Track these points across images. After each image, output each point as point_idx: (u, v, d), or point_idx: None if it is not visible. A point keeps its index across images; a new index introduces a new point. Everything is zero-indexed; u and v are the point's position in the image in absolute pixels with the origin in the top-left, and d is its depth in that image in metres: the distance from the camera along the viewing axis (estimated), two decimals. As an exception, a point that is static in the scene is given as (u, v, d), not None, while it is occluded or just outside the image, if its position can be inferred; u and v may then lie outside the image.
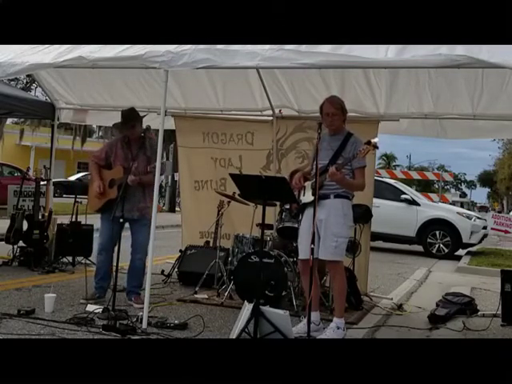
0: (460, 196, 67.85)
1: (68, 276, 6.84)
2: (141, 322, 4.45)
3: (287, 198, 4.69)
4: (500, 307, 5.58)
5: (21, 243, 7.36)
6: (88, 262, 7.24)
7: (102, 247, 5.37)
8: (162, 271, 6.92)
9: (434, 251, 12.81)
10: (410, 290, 7.55)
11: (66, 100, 7.64)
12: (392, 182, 14.20)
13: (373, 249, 7.40)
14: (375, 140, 4.32)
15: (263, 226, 4.45)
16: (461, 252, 12.91)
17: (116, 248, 4.86)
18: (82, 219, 7.56)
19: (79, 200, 7.65)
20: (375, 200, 7.04)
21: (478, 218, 13.76)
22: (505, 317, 5.52)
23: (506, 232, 12.50)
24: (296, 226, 5.03)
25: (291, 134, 6.85)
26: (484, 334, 5.17)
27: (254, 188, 4.51)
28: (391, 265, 10.53)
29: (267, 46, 4.14)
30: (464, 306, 5.94)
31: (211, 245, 6.75)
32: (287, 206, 5.41)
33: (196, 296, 5.87)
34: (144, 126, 5.31)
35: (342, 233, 4.51)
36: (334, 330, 4.47)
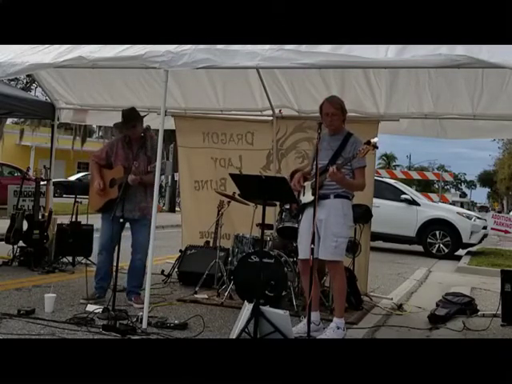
0: (460, 196, 67.84)
1: (68, 276, 6.84)
2: (141, 322, 4.45)
3: (287, 197, 4.69)
4: (500, 307, 5.58)
5: (21, 243, 7.36)
6: (88, 262, 7.25)
7: (103, 247, 5.37)
8: (162, 271, 6.92)
9: (434, 251, 12.81)
10: (410, 290, 7.55)
11: (66, 100, 7.64)
12: (392, 181, 14.20)
13: (373, 249, 7.40)
14: (375, 140, 4.32)
15: (263, 226, 4.45)
16: (461, 252, 12.91)
17: (116, 248, 4.86)
18: (82, 219, 7.57)
19: (79, 200, 7.66)
20: (375, 200, 7.04)
21: (478, 217, 13.76)
22: (505, 317, 5.52)
23: (506, 232, 12.49)
24: (296, 226, 5.03)
25: (291, 134, 6.85)
26: (484, 333, 5.17)
27: (254, 188, 4.51)
28: (391, 265, 10.53)
29: (267, 46, 4.14)
30: (464, 306, 5.94)
31: (211, 245, 6.75)
32: (287, 206, 5.41)
33: (196, 296, 5.87)
34: (144, 126, 5.32)
35: (341, 233, 4.51)
36: (333, 329, 4.47)
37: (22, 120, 26.84)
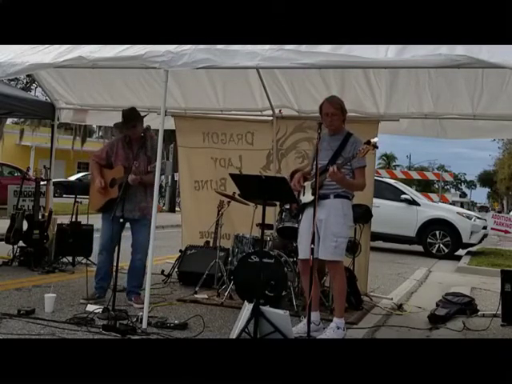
0: (460, 196, 67.85)
1: (68, 276, 6.84)
2: (141, 322, 4.45)
3: (287, 198, 4.69)
4: (500, 307, 5.58)
5: (21, 243, 7.36)
6: (88, 262, 7.25)
7: (103, 247, 5.37)
8: (162, 271, 6.92)
9: (434, 251, 12.81)
10: (410, 290, 7.55)
11: (66, 100, 7.64)
12: (392, 181, 14.20)
13: (373, 249, 7.40)
14: (375, 140, 4.32)
15: (263, 226, 4.45)
16: (461, 252, 12.91)
17: (116, 248, 4.86)
18: (82, 219, 7.57)
19: (79, 200, 7.66)
20: (375, 200, 7.04)
21: (478, 217, 13.76)
22: (505, 317, 5.52)
23: (506, 232, 12.49)
24: (296, 226, 5.03)
25: (291, 134, 6.85)
26: (484, 333, 5.17)
27: (254, 188, 4.51)
28: (391, 265, 10.53)
29: (267, 46, 4.14)
30: (464, 306, 5.94)
31: (211, 245, 6.75)
32: (287, 206, 5.41)
33: (196, 296, 5.87)
34: (144, 126, 5.32)
35: (341, 233, 4.51)
36: (334, 329, 4.47)
37: (22, 120, 26.85)
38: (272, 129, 6.92)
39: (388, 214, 12.26)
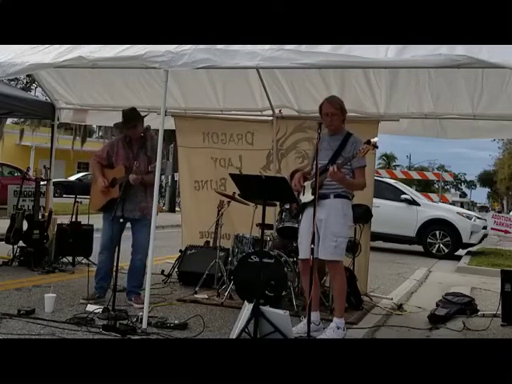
0: (460, 196, 67.86)
1: (68, 276, 6.84)
2: (141, 322, 4.45)
3: (287, 198, 4.70)
4: (500, 307, 5.58)
5: (21, 243, 7.36)
6: (89, 262, 7.25)
7: (104, 247, 5.37)
8: (162, 271, 6.92)
9: (434, 251, 12.81)
10: (410, 290, 7.55)
11: (66, 100, 7.64)
12: (392, 181, 14.20)
13: (373, 249, 7.40)
14: (375, 139, 4.32)
15: (263, 225, 4.45)
16: (461, 252, 12.91)
17: (116, 248, 4.86)
18: (82, 219, 7.57)
19: (79, 200, 7.66)
20: (375, 200, 7.04)
21: (478, 217, 13.76)
22: (505, 317, 5.52)
23: (506, 232, 12.49)
24: (296, 226, 5.03)
25: (291, 134, 6.85)
26: (484, 333, 5.17)
27: (254, 188, 4.51)
28: (391, 265, 10.53)
29: (267, 46, 4.14)
30: (464, 306, 5.94)
31: (211, 245, 6.75)
32: (287, 206, 5.41)
33: (196, 296, 5.87)
34: (144, 126, 5.32)
35: (341, 233, 4.51)
36: (334, 329, 4.47)
37: (22, 120, 26.84)
38: (272, 129, 6.92)
39: (388, 214, 12.26)
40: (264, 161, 7.01)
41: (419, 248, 13.15)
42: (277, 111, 6.83)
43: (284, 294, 5.36)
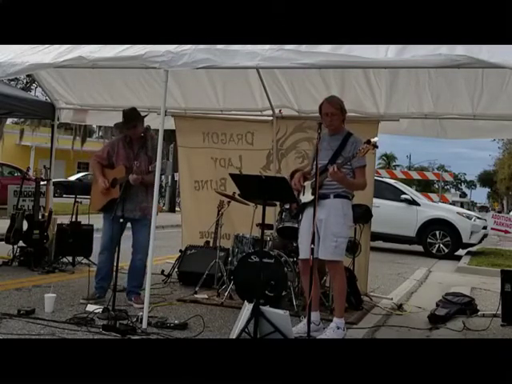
0: (460, 196, 67.86)
1: (68, 276, 6.84)
2: (141, 322, 4.45)
3: (287, 197, 4.69)
4: (500, 307, 5.58)
5: (21, 243, 7.36)
6: (89, 262, 7.25)
7: (104, 247, 5.37)
8: (162, 271, 6.92)
9: (434, 251, 12.81)
10: (410, 290, 7.55)
11: (66, 100, 7.64)
12: (392, 181, 14.21)
13: (373, 249, 7.40)
14: (375, 139, 4.32)
15: (263, 225, 4.45)
16: (461, 252, 12.91)
17: (116, 248, 4.86)
18: (82, 219, 7.57)
19: (79, 200, 7.66)
20: (375, 200, 7.04)
21: (478, 217, 13.76)
22: (505, 317, 5.52)
23: (506, 232, 12.50)
24: (296, 226, 5.03)
25: (291, 134, 6.85)
26: (484, 333, 5.17)
27: (254, 188, 4.51)
28: (391, 265, 10.53)
29: (267, 46, 4.14)
30: (464, 306, 5.94)
31: (211, 245, 6.75)
32: (287, 206, 5.41)
33: (196, 296, 5.87)
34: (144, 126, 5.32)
35: (341, 233, 4.51)
36: (334, 329, 4.47)
37: (22, 120, 26.85)
38: (272, 129, 6.92)
39: (388, 214, 12.27)
40: (264, 161, 7.01)
41: (419, 248, 13.15)
42: (277, 111, 6.83)
43: (284, 294, 5.36)
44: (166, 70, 4.42)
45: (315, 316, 4.63)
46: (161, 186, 22.53)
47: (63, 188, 23.43)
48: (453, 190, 71.68)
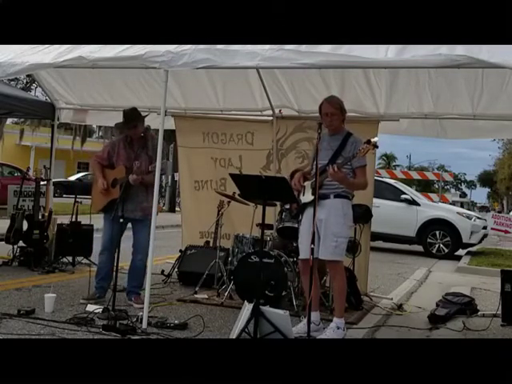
0: (460, 196, 67.85)
1: (68, 276, 6.85)
2: (141, 322, 4.45)
3: (287, 198, 4.70)
4: (500, 307, 5.58)
5: (21, 243, 7.36)
6: (89, 262, 7.25)
7: (104, 247, 5.37)
8: (162, 271, 6.92)
9: (434, 251, 12.81)
10: (410, 290, 7.55)
11: (66, 100, 7.64)
12: (392, 181, 14.21)
13: (373, 249, 7.39)
14: (375, 139, 4.32)
15: (263, 225, 4.45)
16: (461, 252, 12.91)
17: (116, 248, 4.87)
18: (82, 219, 7.57)
19: (79, 200, 7.66)
20: (375, 200, 7.04)
21: (478, 217, 13.77)
22: (505, 317, 5.52)
23: (506, 232, 12.49)
24: (296, 226, 5.03)
25: (291, 133, 6.85)
26: (484, 333, 5.17)
27: (254, 188, 4.51)
28: (391, 265, 10.53)
29: (267, 46, 4.14)
30: (464, 306, 5.94)
31: (211, 245, 6.75)
32: (287, 206, 5.41)
33: (196, 296, 5.87)
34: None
35: (341, 233, 4.51)
36: (334, 329, 4.47)
37: (22, 120, 26.85)
38: (272, 129, 6.92)
39: (388, 214, 12.27)
40: (264, 161, 7.01)
41: (419, 248, 13.15)
42: (277, 111, 6.83)
43: (284, 294, 5.36)
44: (166, 70, 4.42)
45: (315, 316, 4.63)
46: (161, 186, 22.52)
47: (63, 188, 23.43)
48: (453, 190, 71.70)
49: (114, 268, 4.86)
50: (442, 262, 11.92)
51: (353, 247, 6.03)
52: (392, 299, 6.55)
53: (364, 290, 6.25)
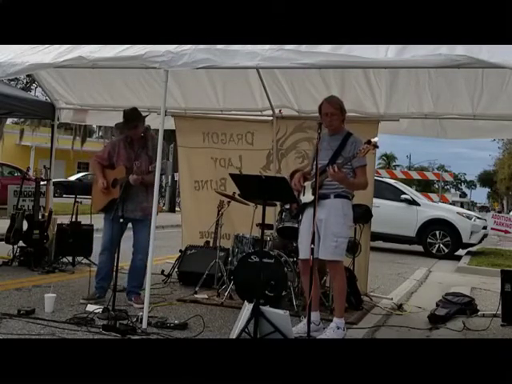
0: (460, 196, 67.85)
1: (68, 276, 6.85)
2: (141, 322, 4.45)
3: (287, 198, 4.70)
4: (500, 307, 5.58)
5: (21, 243, 7.36)
6: (89, 262, 7.25)
7: (105, 247, 5.37)
8: (162, 271, 6.92)
9: (434, 251, 12.81)
10: (410, 290, 7.55)
11: (66, 100, 7.64)
12: (392, 181, 14.21)
13: (373, 249, 7.40)
14: (375, 139, 4.32)
15: (263, 225, 4.45)
16: (461, 252, 12.91)
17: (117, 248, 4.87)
18: (82, 219, 7.57)
19: (79, 200, 7.66)
20: (375, 200, 7.04)
21: (478, 217, 13.77)
22: (505, 317, 5.52)
23: (506, 232, 12.49)
24: (296, 226, 5.03)
25: (291, 134, 6.85)
26: (484, 333, 5.17)
27: (254, 188, 4.51)
28: (391, 265, 10.53)
29: (267, 46, 4.14)
30: (464, 306, 5.94)
31: (211, 245, 6.75)
32: (287, 206, 5.41)
33: (196, 296, 5.87)
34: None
35: (342, 233, 4.51)
36: (334, 329, 4.47)
37: (22, 120, 26.86)
38: (272, 129, 6.92)
39: (388, 214, 12.27)
40: (264, 161, 7.01)
41: (419, 248, 13.15)
42: (277, 111, 6.83)
43: (284, 293, 5.36)
44: (166, 70, 4.42)
45: (315, 316, 4.63)
46: (161, 186, 22.52)
47: (63, 188, 23.43)
48: (453, 190, 71.70)
49: (114, 268, 4.86)
50: (442, 261, 11.92)
51: (353, 247, 6.03)
52: (392, 299, 6.55)
53: (364, 290, 6.25)
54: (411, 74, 5.85)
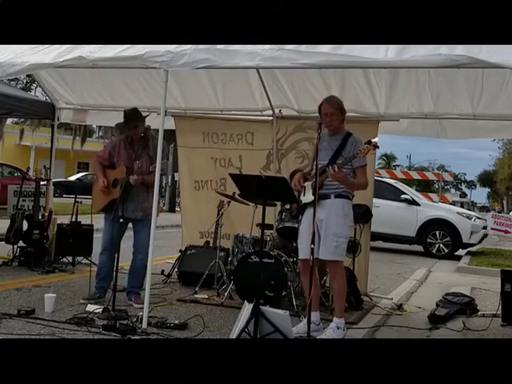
0: (460, 196, 67.87)
1: (68, 276, 6.85)
2: (141, 322, 4.45)
3: (287, 197, 4.70)
4: (500, 307, 5.58)
5: (21, 243, 7.36)
6: (89, 262, 7.25)
7: (105, 247, 5.37)
8: (162, 271, 6.92)
9: (434, 251, 12.81)
10: (410, 290, 7.55)
11: (66, 100, 7.64)
12: (392, 181, 14.21)
13: (373, 249, 7.40)
14: (375, 140, 4.32)
15: (263, 225, 4.45)
16: (461, 252, 12.91)
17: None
18: (82, 219, 7.57)
19: (79, 200, 7.66)
20: (375, 200, 7.04)
21: (478, 217, 13.77)
22: (505, 317, 5.52)
23: (506, 232, 12.49)
24: (296, 226, 5.03)
25: (291, 133, 6.85)
26: (484, 333, 5.17)
27: (254, 188, 4.51)
28: (391, 265, 10.53)
29: (267, 46, 4.14)
30: (464, 306, 5.94)
31: (211, 245, 6.75)
32: (287, 206, 5.41)
33: (196, 296, 5.87)
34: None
35: (342, 233, 4.51)
36: (334, 329, 4.47)
37: (22, 120, 26.87)
38: (272, 129, 6.92)
39: (388, 214, 12.27)
40: (264, 161, 7.01)
41: (419, 248, 13.15)
42: (277, 111, 6.83)
43: (284, 293, 5.36)
44: (166, 70, 4.42)
45: (315, 316, 4.63)
46: (161, 186, 22.52)
47: (63, 188, 23.44)
48: (453, 190, 71.70)
49: (114, 268, 4.86)
50: (442, 261, 11.92)
51: (353, 247, 6.03)
52: (392, 299, 6.55)
53: (364, 290, 6.25)
54: (411, 74, 5.85)
